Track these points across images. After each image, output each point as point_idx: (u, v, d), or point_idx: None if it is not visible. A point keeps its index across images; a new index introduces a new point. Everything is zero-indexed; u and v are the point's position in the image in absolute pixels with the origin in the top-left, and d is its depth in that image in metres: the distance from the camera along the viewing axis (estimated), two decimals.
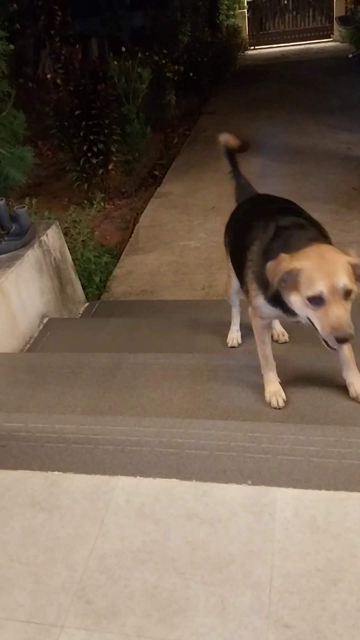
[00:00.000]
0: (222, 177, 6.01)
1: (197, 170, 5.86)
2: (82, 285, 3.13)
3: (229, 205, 5.18)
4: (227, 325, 2.30)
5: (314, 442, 1.43)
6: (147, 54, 6.50)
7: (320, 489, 1.32)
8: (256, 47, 13.84)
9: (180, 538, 1.28)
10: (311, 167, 5.52)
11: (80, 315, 2.88)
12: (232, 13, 12.47)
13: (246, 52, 13.31)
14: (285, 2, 13.44)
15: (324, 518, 1.26)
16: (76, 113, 4.86)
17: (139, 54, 5.59)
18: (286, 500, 1.31)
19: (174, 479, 1.40)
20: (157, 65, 6.89)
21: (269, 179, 5.50)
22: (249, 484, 1.36)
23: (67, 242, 3.02)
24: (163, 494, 1.38)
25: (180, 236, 4.38)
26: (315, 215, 4.88)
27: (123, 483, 1.42)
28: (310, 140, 6.52)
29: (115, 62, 5.24)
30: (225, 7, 11.96)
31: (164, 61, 7.09)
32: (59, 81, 5.06)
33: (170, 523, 1.31)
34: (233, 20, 12.42)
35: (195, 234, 4.41)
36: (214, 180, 5.52)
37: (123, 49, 5.34)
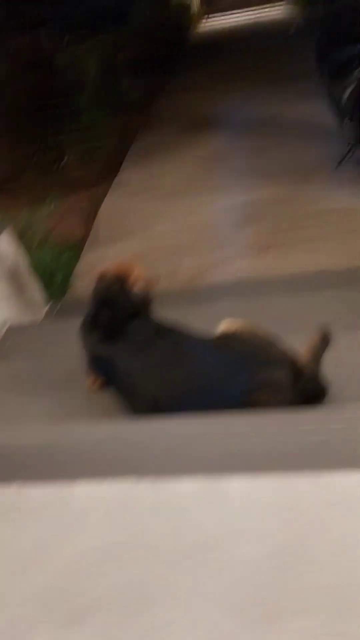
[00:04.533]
0: (183, 158, 6.01)
1: (157, 154, 5.81)
2: (43, 285, 3.12)
3: (192, 187, 5.18)
4: (191, 317, 2.25)
5: (263, 428, 1.47)
6: (97, 38, 6.40)
7: (270, 473, 1.35)
8: (209, 21, 13.64)
9: (141, 535, 1.31)
10: (271, 141, 5.51)
11: (42, 318, 2.88)
12: None
13: (200, 26, 13.11)
14: None
15: (276, 501, 1.30)
16: (27, 108, 4.79)
17: (89, 40, 5.50)
18: (239, 487, 1.34)
19: (132, 477, 1.43)
20: (109, 49, 6.78)
21: (231, 155, 5.49)
22: (203, 475, 1.39)
23: (23, 243, 3.00)
24: (123, 493, 1.40)
25: (143, 224, 4.37)
26: (278, 190, 4.88)
27: (84, 487, 1.44)
28: (269, 112, 6.49)
29: (64, 52, 5.16)
30: None
31: (115, 45, 6.98)
32: (6, 76, 4.98)
33: (132, 521, 1.34)
34: None
35: (158, 220, 4.39)
36: (175, 163, 5.49)
37: (66, 38, 5.25)
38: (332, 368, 1.90)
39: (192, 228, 4.14)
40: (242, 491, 1.35)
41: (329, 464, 1.36)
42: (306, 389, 1.71)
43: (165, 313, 2.42)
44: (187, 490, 1.38)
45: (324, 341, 1.99)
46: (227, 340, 1.81)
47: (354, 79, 3.75)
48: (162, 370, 1.74)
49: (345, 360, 1.98)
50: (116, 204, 4.82)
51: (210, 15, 13.71)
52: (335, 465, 1.36)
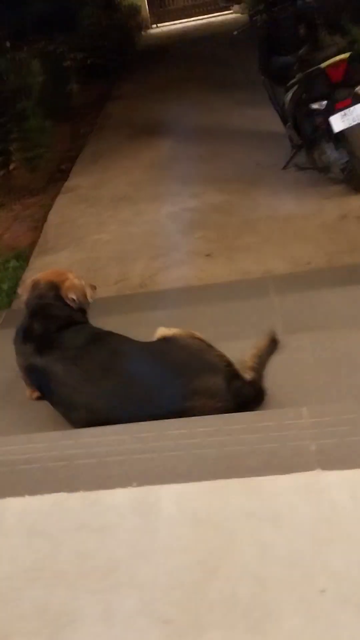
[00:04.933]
0: (131, 164, 5.99)
1: (106, 160, 5.79)
2: None
3: (140, 193, 5.18)
4: (137, 324, 2.24)
5: (196, 434, 1.48)
6: (43, 43, 6.32)
7: (200, 481, 1.36)
8: (158, 25, 13.71)
9: (70, 550, 1.30)
10: (219, 146, 5.57)
11: None
12: None
13: (148, 31, 13.16)
14: None
15: (205, 509, 1.31)
16: None
17: (33, 45, 5.43)
18: (169, 496, 1.35)
19: (62, 492, 1.41)
20: (55, 55, 6.72)
21: (179, 161, 5.52)
22: (134, 486, 1.39)
23: None
24: (53, 509, 1.39)
25: (92, 230, 4.34)
26: (224, 196, 4.93)
27: (13, 504, 1.41)
28: (218, 118, 6.57)
29: (7, 56, 5.08)
30: None
31: (61, 49, 6.91)
32: None
33: (61, 537, 1.33)
34: None
35: (106, 227, 4.38)
36: (123, 169, 5.48)
37: (8, 44, 5.17)
38: (273, 371, 1.94)
39: (140, 234, 4.14)
40: (174, 501, 1.35)
41: (259, 469, 1.38)
42: (242, 393, 1.74)
43: (112, 319, 2.41)
44: (119, 503, 1.38)
45: (271, 345, 2.04)
46: (164, 347, 1.82)
47: (293, 86, 3.83)
48: (97, 380, 1.73)
49: (287, 363, 2.02)
50: (65, 211, 4.77)
51: (160, 18, 13.76)
52: (265, 470, 1.38)
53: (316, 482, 1.30)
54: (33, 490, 1.43)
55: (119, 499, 1.38)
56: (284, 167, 4.37)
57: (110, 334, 1.88)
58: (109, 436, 1.55)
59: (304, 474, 1.32)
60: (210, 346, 1.79)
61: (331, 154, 3.74)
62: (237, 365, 1.87)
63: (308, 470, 1.32)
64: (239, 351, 1.95)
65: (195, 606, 1.13)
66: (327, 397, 1.76)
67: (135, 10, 11.73)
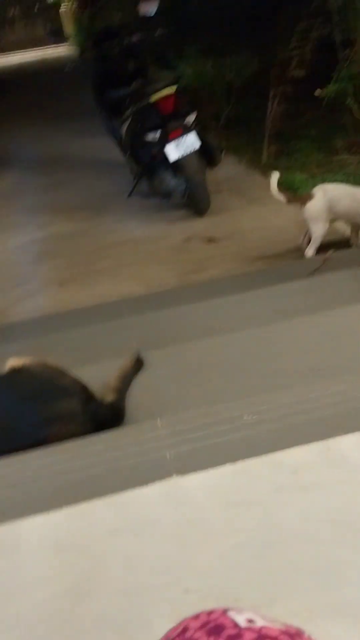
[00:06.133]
0: None
1: None
2: None
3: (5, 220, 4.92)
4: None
5: (55, 462, 1.46)
6: None
7: (62, 507, 1.34)
8: None
9: None
10: (64, 176, 5.60)
11: None
12: None
13: None
14: (13, 12, 13.31)
15: (69, 535, 1.30)
16: None
17: None
18: (30, 529, 1.31)
19: None
20: None
21: (24, 193, 5.46)
22: None
23: None
24: None
25: None
26: (72, 225, 4.92)
27: None
28: (60, 148, 6.61)
29: None
30: None
31: None
32: None
33: None
34: None
35: None
36: None
37: None
38: (131, 388, 1.98)
39: None
40: (36, 533, 1.31)
41: (121, 486, 1.40)
42: (99, 415, 1.75)
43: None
44: None
45: (136, 365, 2.06)
46: (14, 378, 1.77)
47: (127, 117, 4.00)
48: None
49: (143, 379, 2.07)
50: None
51: None
52: (127, 485, 1.40)
53: (174, 488, 1.36)
54: None
55: None
56: (129, 195, 4.51)
57: None
58: None
59: (162, 483, 1.36)
60: (63, 372, 1.78)
61: (170, 181, 3.96)
62: (102, 388, 1.88)
63: (166, 479, 1.37)
64: (99, 373, 1.96)
65: (66, 635, 1.11)
66: (180, 406, 1.84)
67: None
